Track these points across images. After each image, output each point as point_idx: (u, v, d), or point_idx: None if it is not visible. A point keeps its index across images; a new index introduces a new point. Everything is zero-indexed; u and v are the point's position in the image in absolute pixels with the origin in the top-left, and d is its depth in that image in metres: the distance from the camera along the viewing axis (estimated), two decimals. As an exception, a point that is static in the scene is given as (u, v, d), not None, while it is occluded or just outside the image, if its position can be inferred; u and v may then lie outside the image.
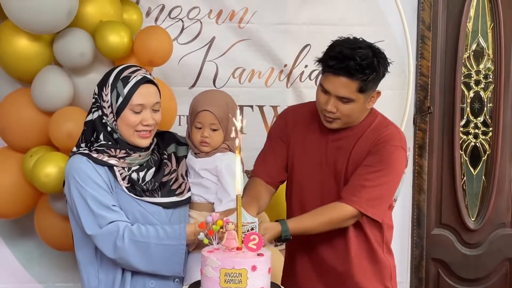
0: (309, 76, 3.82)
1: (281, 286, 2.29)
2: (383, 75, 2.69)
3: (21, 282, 3.61)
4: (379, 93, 2.74)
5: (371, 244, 2.85)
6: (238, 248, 2.21)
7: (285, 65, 3.80)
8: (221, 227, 2.28)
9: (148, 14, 3.63)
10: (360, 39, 2.72)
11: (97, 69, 3.10)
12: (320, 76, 2.74)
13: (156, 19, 3.64)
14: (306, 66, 3.79)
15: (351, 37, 2.72)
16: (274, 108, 3.79)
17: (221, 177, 2.71)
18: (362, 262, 2.85)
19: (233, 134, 2.27)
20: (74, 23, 3.00)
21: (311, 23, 3.81)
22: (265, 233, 2.50)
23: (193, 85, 3.69)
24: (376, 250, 2.87)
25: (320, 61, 2.69)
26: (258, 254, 2.19)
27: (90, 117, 2.66)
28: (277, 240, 2.63)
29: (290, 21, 3.79)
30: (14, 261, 3.60)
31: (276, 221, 2.65)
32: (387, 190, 2.78)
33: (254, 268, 2.14)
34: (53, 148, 3.10)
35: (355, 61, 2.57)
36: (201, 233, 2.35)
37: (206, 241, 2.29)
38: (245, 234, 2.25)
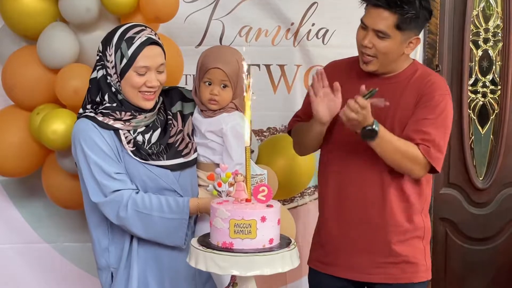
0: (316, 34, 3.77)
1: (291, 238, 2.28)
2: (424, 20, 2.69)
3: (29, 242, 3.61)
4: (418, 39, 2.73)
5: (410, 204, 2.79)
6: (247, 200, 2.20)
7: (292, 24, 3.75)
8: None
9: (153, -29, 3.58)
10: None
11: (102, 26, 3.07)
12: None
13: (161, -23, 3.59)
14: (313, 24, 3.75)
15: None
16: (281, 67, 3.76)
17: (226, 140, 2.68)
18: (398, 220, 2.78)
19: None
20: (79, -22, 2.96)
21: (318, -20, 3.76)
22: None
23: (200, 44, 3.64)
24: (414, 211, 2.80)
25: None
26: (267, 205, 2.18)
27: (94, 75, 2.64)
28: (362, 130, 2.58)
29: (297, -22, 3.74)
30: (22, 221, 3.59)
31: None
32: (446, 141, 2.76)
33: (263, 219, 2.13)
34: (59, 105, 3.08)
35: None
36: (210, 185, 2.34)
37: (215, 192, 2.28)
38: (254, 186, 2.24)
